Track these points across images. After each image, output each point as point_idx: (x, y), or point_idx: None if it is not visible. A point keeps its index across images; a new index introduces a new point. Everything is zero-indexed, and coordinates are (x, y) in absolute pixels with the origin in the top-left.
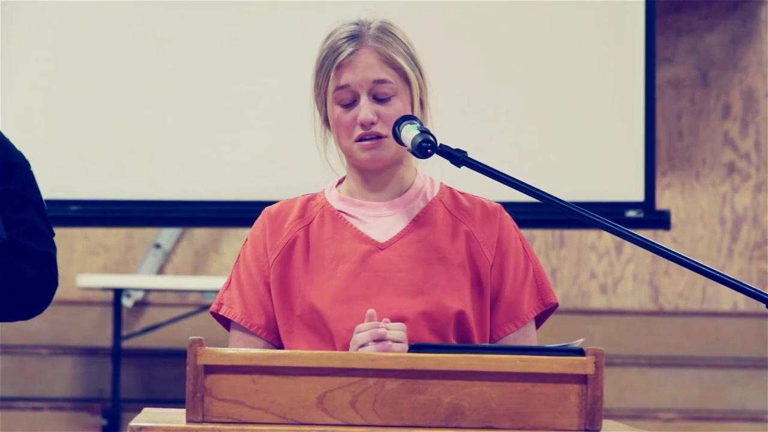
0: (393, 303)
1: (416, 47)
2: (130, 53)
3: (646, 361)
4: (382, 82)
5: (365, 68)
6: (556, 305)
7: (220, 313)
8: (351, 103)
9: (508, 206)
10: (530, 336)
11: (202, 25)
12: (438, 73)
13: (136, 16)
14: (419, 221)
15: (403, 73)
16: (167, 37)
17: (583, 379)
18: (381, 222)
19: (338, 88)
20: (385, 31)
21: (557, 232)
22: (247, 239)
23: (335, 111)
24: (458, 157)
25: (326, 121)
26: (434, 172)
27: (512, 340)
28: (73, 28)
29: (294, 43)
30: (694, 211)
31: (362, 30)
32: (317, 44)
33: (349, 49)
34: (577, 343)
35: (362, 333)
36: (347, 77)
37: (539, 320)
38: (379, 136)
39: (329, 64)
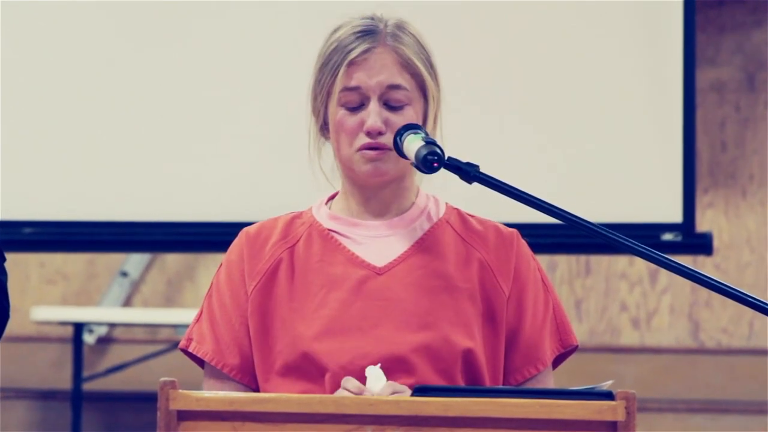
0: (392, 336)
1: (434, 55)
2: (92, 61)
3: (684, 406)
4: (397, 88)
5: (380, 70)
6: (576, 347)
7: (189, 349)
8: (358, 107)
9: (527, 228)
10: (549, 382)
11: (174, 33)
12: (449, 77)
13: (99, 27)
14: (423, 244)
15: (420, 81)
16: (135, 44)
17: (612, 426)
18: (378, 243)
19: (346, 88)
20: (404, 31)
21: (582, 258)
22: (221, 264)
23: (338, 113)
24: (469, 172)
25: (323, 126)
26: (439, 190)
27: (529, 386)
28: (29, 39)
29: (277, 51)
30: (740, 234)
31: (379, 26)
32: (302, 53)
33: (364, 46)
34: (606, 385)
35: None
36: (359, 77)
37: (555, 363)
38: (383, 148)
39: (338, 59)
